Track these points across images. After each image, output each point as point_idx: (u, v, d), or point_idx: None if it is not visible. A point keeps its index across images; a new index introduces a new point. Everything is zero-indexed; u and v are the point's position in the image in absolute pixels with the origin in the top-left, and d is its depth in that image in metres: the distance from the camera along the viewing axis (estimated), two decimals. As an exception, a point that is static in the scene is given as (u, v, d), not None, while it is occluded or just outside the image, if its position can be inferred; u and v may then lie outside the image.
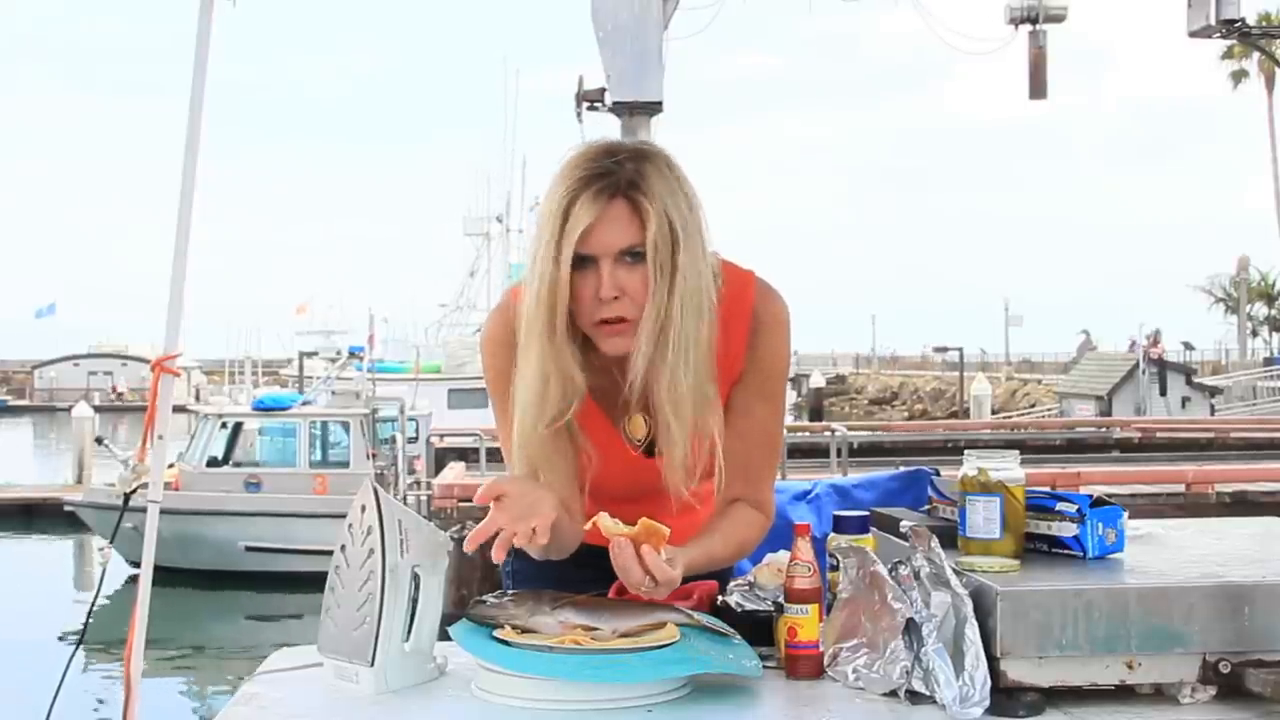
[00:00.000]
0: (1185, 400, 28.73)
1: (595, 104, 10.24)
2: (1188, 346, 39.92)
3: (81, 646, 2.87)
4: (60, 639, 13.81)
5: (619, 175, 1.84)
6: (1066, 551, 1.79)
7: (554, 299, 1.84)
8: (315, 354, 31.72)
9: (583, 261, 1.84)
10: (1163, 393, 28.45)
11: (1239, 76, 45.48)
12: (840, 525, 1.91)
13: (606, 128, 9.58)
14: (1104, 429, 22.88)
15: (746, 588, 1.95)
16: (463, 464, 16.12)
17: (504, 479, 1.83)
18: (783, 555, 1.90)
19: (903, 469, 2.69)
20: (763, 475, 2.03)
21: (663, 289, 1.84)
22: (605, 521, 1.75)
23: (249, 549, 18.67)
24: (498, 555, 1.76)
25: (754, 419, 2.00)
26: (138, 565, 2.60)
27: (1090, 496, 1.82)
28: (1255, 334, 45.96)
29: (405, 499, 14.97)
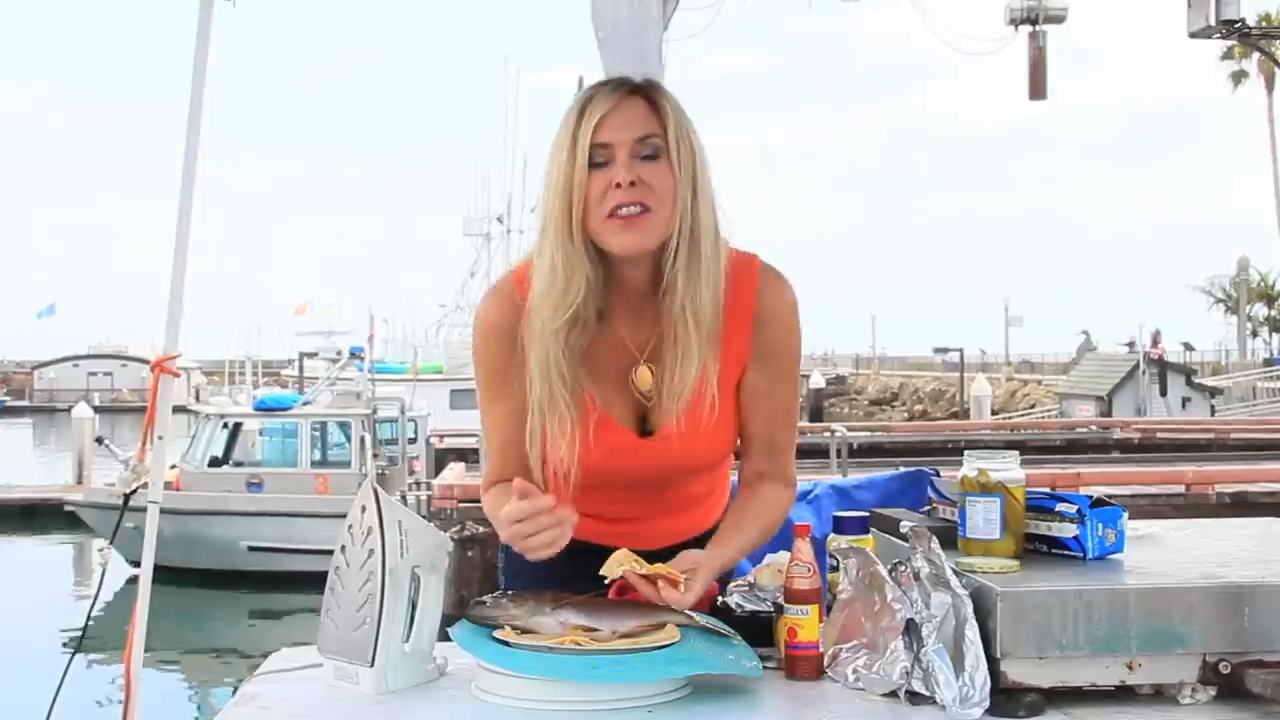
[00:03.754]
0: (1185, 400, 28.73)
1: (595, 104, 10.23)
2: (1188, 347, 39.89)
3: (82, 646, 2.87)
4: (61, 639, 13.80)
5: (635, 82, 1.91)
6: (1066, 552, 1.79)
7: (570, 194, 1.85)
8: (316, 354, 31.72)
9: (599, 158, 1.85)
10: (1163, 393, 28.44)
11: (1239, 77, 45.50)
12: (840, 526, 1.91)
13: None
14: (1104, 429, 22.89)
15: (747, 588, 1.95)
16: (463, 464, 16.12)
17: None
18: (783, 556, 1.90)
19: (903, 470, 2.69)
20: (785, 449, 2.06)
21: (688, 194, 1.86)
22: (623, 556, 1.76)
23: (251, 549, 18.67)
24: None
25: (776, 400, 2.02)
26: (138, 565, 2.60)
27: (1090, 497, 1.82)
28: (1255, 334, 45.98)
29: (405, 499, 14.97)
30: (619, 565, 1.75)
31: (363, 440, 19.48)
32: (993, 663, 1.60)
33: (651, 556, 2.12)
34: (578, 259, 1.86)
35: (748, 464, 2.04)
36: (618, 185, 1.84)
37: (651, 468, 1.98)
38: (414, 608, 1.76)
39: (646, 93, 1.90)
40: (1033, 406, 37.59)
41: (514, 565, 2.19)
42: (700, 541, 2.01)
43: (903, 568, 1.70)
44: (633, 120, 1.86)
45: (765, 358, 1.99)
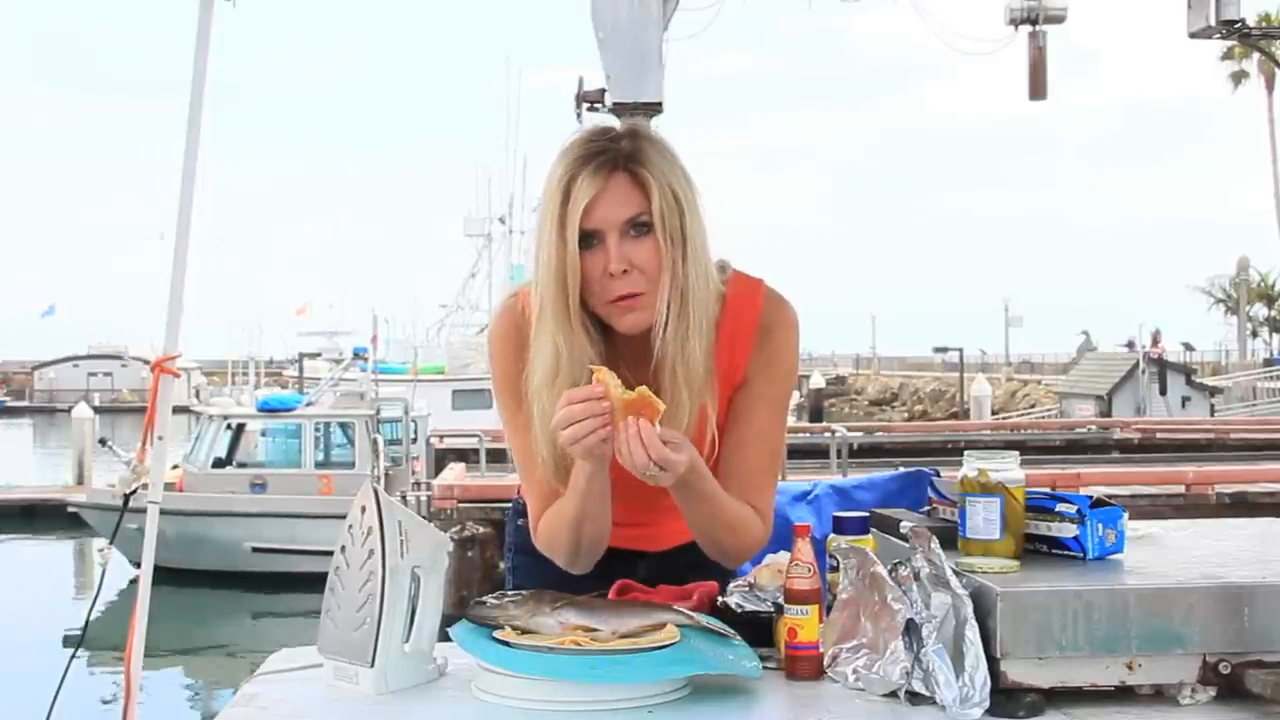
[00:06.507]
0: (1185, 400, 28.74)
1: (595, 104, 10.25)
2: (1188, 347, 39.91)
3: (82, 647, 2.88)
4: (61, 639, 13.80)
5: (616, 151, 1.87)
6: (1066, 552, 1.79)
7: (564, 279, 1.84)
8: (318, 355, 31.74)
9: (588, 240, 1.84)
10: (1163, 392, 28.45)
11: (1239, 77, 45.52)
12: (840, 526, 1.90)
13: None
14: (1104, 429, 22.90)
15: (746, 589, 1.95)
16: (462, 465, 16.14)
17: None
18: (782, 556, 1.90)
19: (903, 470, 2.69)
20: (759, 483, 2.00)
21: (677, 257, 1.85)
22: (604, 374, 1.75)
23: (255, 550, 18.67)
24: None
25: (754, 425, 1.98)
26: (140, 566, 2.61)
27: (1090, 497, 1.81)
28: (1255, 335, 46.01)
29: (405, 499, 14.97)
30: (607, 378, 1.75)
31: (374, 443, 19.48)
32: (993, 663, 1.60)
33: (660, 557, 2.13)
34: (579, 343, 1.86)
35: None
36: (611, 274, 1.84)
37: (654, 497, 1.97)
38: (414, 608, 1.76)
39: (630, 166, 1.85)
40: (1033, 406, 37.61)
41: (523, 568, 2.19)
42: None
43: (903, 568, 1.70)
44: (619, 202, 1.84)
45: (753, 376, 1.98)
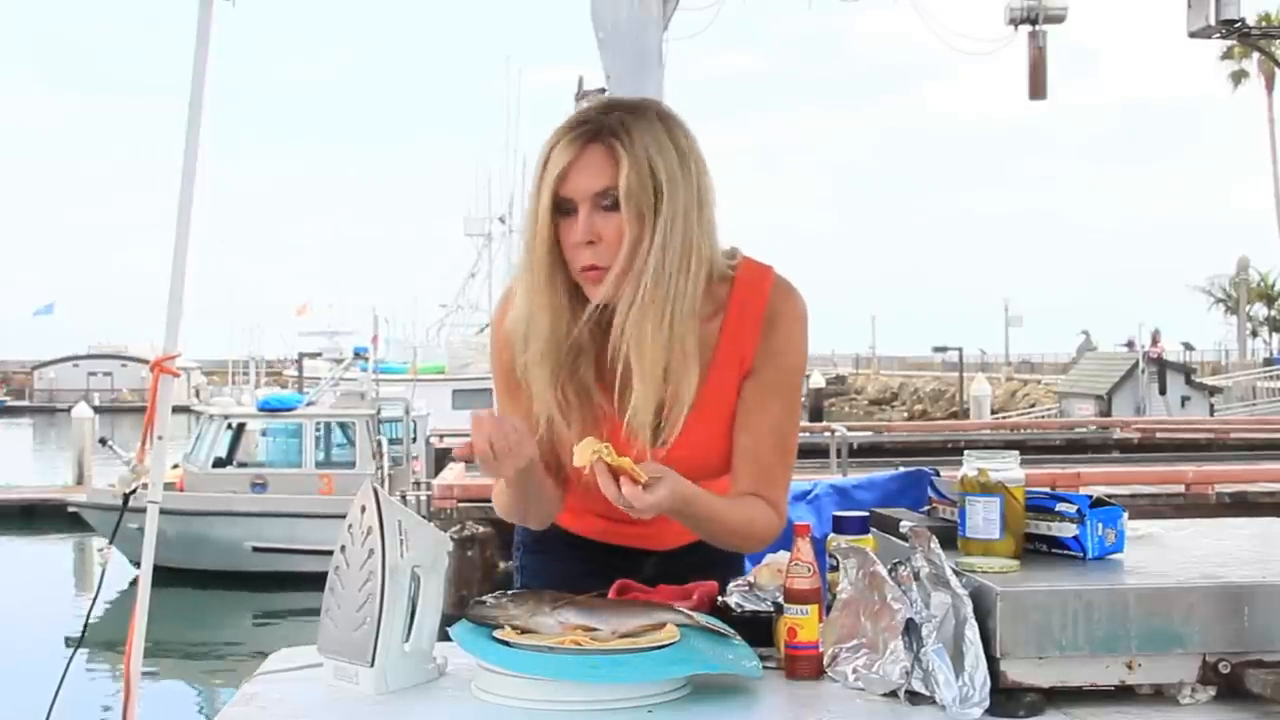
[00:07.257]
0: (1185, 399, 28.76)
1: (595, 104, 10.25)
2: (1187, 347, 39.93)
3: (82, 647, 2.89)
4: (61, 639, 13.81)
5: (601, 123, 1.87)
6: (1066, 552, 1.79)
7: (534, 239, 1.87)
8: (318, 355, 31.76)
9: (566, 207, 1.86)
10: (1162, 392, 28.46)
11: (1239, 77, 45.56)
12: (840, 526, 1.90)
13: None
14: (1103, 429, 22.91)
15: (746, 588, 1.95)
16: (462, 464, 16.14)
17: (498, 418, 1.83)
18: (782, 556, 1.90)
19: (902, 469, 2.69)
20: (774, 474, 1.99)
21: (644, 237, 1.83)
22: (583, 449, 1.75)
23: (255, 549, 18.67)
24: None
25: (766, 415, 1.98)
26: (140, 565, 2.61)
27: (1090, 497, 1.82)
28: (1255, 334, 46.04)
29: (405, 499, 14.98)
30: (589, 451, 1.74)
31: (378, 445, 19.48)
32: (992, 662, 1.60)
33: (667, 555, 2.13)
34: (554, 306, 1.87)
35: (735, 484, 1.98)
36: (576, 244, 1.85)
37: None
38: (414, 607, 1.76)
39: (607, 140, 1.84)
40: (1032, 406, 37.62)
41: (530, 567, 2.20)
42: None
43: (903, 568, 1.70)
44: (591, 172, 1.84)
45: (761, 366, 1.97)
